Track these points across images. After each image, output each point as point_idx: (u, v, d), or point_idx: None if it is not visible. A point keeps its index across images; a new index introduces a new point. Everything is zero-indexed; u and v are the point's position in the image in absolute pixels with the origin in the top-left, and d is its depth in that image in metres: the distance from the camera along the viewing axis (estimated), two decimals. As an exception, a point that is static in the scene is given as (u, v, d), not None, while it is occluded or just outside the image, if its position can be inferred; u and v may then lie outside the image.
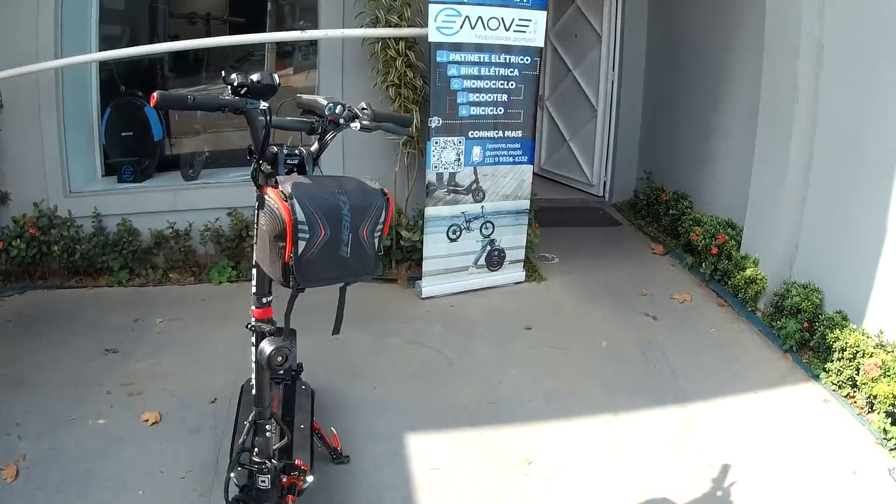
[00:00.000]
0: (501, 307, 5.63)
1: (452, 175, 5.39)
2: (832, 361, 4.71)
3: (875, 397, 4.25)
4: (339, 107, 2.57)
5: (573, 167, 8.45)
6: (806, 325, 5.02)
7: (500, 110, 5.42)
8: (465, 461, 3.92)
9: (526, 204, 5.81)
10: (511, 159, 5.60)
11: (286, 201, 2.34)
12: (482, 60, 5.22)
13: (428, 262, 5.56)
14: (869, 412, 4.40)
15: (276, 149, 2.57)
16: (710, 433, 4.28)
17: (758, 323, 5.49)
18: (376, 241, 2.56)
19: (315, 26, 5.63)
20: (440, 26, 4.98)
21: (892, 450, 4.12)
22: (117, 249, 5.46)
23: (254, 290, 2.82)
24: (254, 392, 2.93)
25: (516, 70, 5.36)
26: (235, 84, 2.42)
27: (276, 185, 2.42)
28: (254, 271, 2.82)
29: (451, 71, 5.12)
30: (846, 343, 4.60)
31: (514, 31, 5.24)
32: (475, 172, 5.48)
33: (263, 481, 2.95)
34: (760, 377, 4.88)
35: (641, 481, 3.86)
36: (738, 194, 6.01)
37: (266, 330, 2.80)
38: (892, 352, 4.42)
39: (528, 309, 5.62)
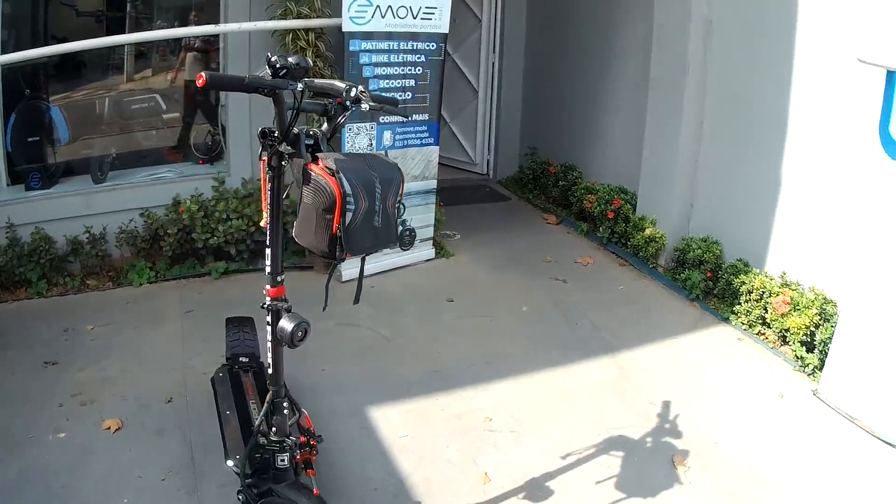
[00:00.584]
0: (419, 284, 5.76)
1: (365, 159, 5.47)
2: (740, 304, 5.20)
3: (788, 330, 4.75)
4: (353, 89, 2.63)
5: (455, 148, 8.65)
6: (709, 274, 5.51)
7: (409, 95, 5.55)
8: (431, 426, 4.07)
9: (433, 184, 5.97)
10: (419, 142, 5.74)
11: (333, 176, 2.43)
12: (391, 48, 5.33)
13: (345, 246, 5.62)
14: (782, 345, 4.92)
15: (296, 130, 2.62)
16: (644, 375, 4.65)
17: (660, 278, 5.95)
18: (397, 211, 2.67)
19: (214, 21, 5.54)
20: (353, 16, 5.05)
21: (809, 374, 4.64)
22: (34, 259, 5.13)
23: (268, 269, 2.81)
24: (269, 371, 2.93)
25: (423, 56, 5.51)
26: (278, 66, 2.46)
27: (316, 163, 2.50)
28: (267, 251, 2.81)
29: (363, 59, 5.20)
30: (752, 286, 5.10)
31: (421, 18, 5.38)
32: (386, 156, 5.57)
33: (283, 460, 2.96)
34: (675, 324, 5.32)
35: (596, 422, 4.17)
36: (629, 162, 6.46)
37: (284, 307, 2.81)
38: (798, 289, 4.96)
39: (445, 283, 5.79)
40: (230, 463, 3.20)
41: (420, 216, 5.95)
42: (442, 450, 3.89)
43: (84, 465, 3.56)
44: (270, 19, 5.24)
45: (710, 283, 5.51)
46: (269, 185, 2.75)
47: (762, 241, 5.29)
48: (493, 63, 7.79)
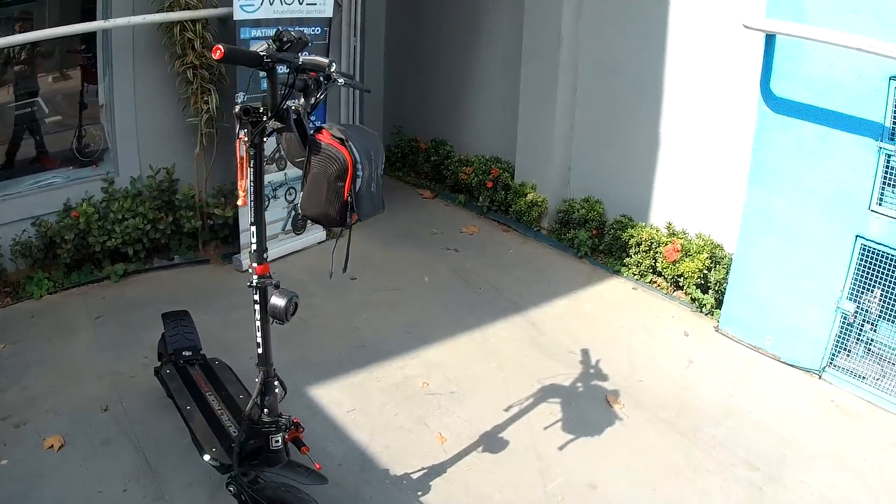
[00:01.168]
0: (319, 266, 5.72)
1: (259, 148, 5.38)
2: (630, 256, 5.61)
3: (682, 275, 5.18)
4: (333, 65, 2.64)
5: (316, 133, 8.56)
6: (595, 231, 5.88)
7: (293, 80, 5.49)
8: (373, 398, 4.17)
9: (322, 166, 5.96)
10: (309, 124, 5.68)
11: (343, 145, 2.47)
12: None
13: (244, 235, 5.48)
14: (675, 290, 5.36)
15: (285, 105, 2.61)
16: (556, 329, 4.96)
17: (546, 239, 6.27)
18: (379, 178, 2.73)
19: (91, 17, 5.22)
20: (243, 4, 4.94)
21: (707, 313, 5.12)
22: (-71, 281, 4.66)
23: (254, 247, 2.81)
24: (259, 351, 2.92)
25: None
26: (284, 39, 2.45)
27: (321, 133, 2.53)
28: (253, 229, 2.80)
29: (253, 47, 5.09)
30: (641, 238, 5.51)
31: (307, 3, 5.34)
32: (277, 141, 5.50)
33: (277, 441, 2.97)
34: (571, 280, 5.65)
35: (526, 375, 4.44)
36: (501, 133, 6.72)
37: (272, 284, 2.82)
38: (685, 237, 5.41)
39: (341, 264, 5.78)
40: (207, 458, 3.14)
41: (311, 199, 5.91)
42: (391, 418, 4.00)
43: (38, 489, 3.36)
44: (157, 12, 5.02)
45: (595, 240, 5.88)
46: (250, 163, 2.72)
47: (644, 196, 5.72)
48: (355, 46, 7.76)
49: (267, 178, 5.47)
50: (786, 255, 4.45)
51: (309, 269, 5.63)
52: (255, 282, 2.81)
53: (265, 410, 2.93)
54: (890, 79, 3.85)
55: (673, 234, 5.44)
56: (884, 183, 4.00)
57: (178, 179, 5.46)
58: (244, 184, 2.73)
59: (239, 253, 5.50)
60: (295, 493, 2.92)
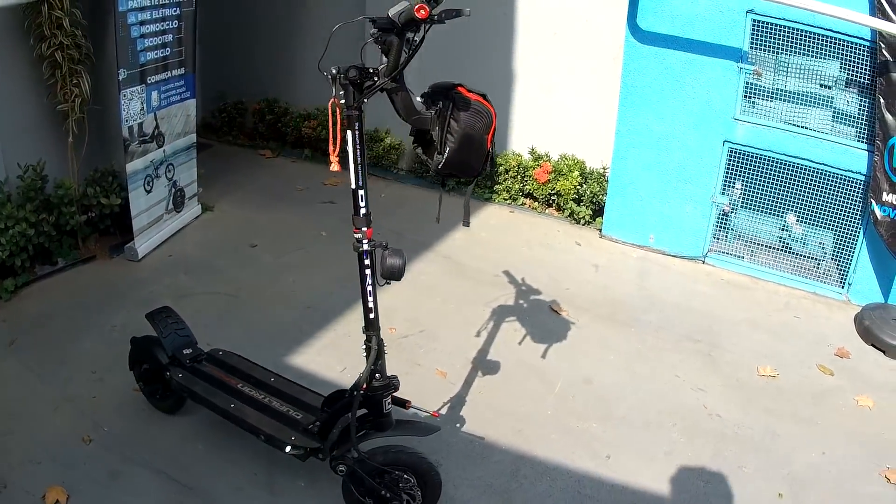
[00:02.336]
0: (210, 240, 5.41)
1: (140, 125, 4.96)
2: (500, 184, 6.03)
3: (558, 193, 5.73)
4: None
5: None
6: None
7: (168, 51, 5.09)
8: (354, 353, 3.89)
9: (193, 138, 5.60)
10: (179, 97, 5.32)
11: (486, 99, 2.60)
12: (152, 3, 4.84)
13: (137, 221, 5.05)
14: (548, 207, 5.89)
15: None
16: (468, 258, 5.29)
17: (408, 179, 6.50)
18: None
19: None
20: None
21: (585, 224, 5.73)
22: None
23: (363, 211, 2.77)
24: (371, 316, 2.89)
25: (177, 8, 5.08)
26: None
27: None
28: (360, 192, 2.76)
29: (131, 19, 4.66)
30: (510, 165, 5.96)
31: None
32: (156, 118, 5.12)
33: (388, 403, 2.98)
34: (452, 213, 5.88)
35: (473, 303, 4.74)
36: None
37: (382, 244, 2.81)
38: (549, 159, 5.92)
39: (231, 233, 5.53)
40: (288, 449, 3.03)
41: (185, 174, 5.57)
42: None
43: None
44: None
45: (461, 173, 6.22)
46: (355, 126, 2.67)
47: (504, 127, 6.09)
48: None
49: (150, 157, 5.10)
50: (661, 164, 5.15)
51: (203, 245, 5.35)
52: (366, 245, 2.76)
53: (377, 375, 2.91)
54: (747, 12, 4.60)
55: (538, 158, 5.95)
56: (745, 96, 4.80)
57: (47, 175, 4.83)
58: (336, 149, 2.66)
59: (131, 241, 5.07)
60: (406, 451, 2.96)
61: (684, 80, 4.89)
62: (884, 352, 4.36)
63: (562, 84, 5.79)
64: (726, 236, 5.16)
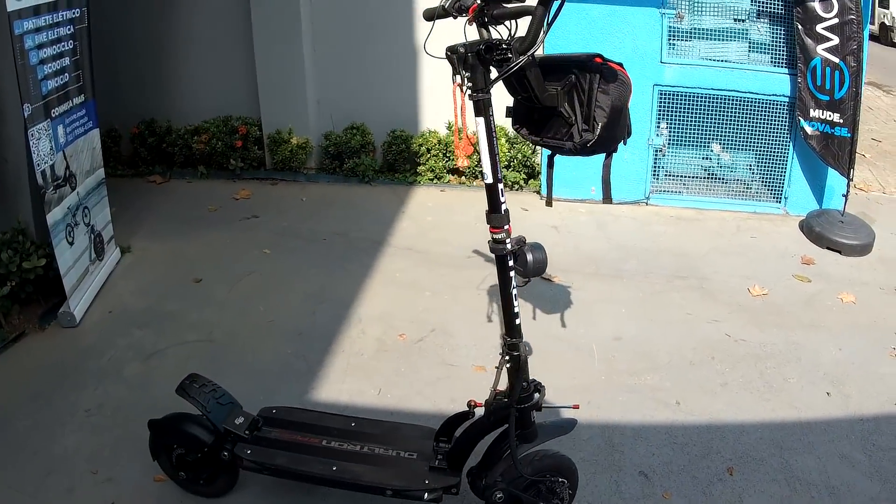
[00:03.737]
0: (146, 284, 4.58)
1: (52, 168, 4.13)
2: (422, 164, 5.75)
3: None
4: None
5: None
6: (372, 154, 5.84)
7: (66, 77, 4.25)
8: (378, 370, 3.74)
9: (102, 173, 4.76)
10: (83, 129, 4.47)
11: (624, 68, 2.35)
12: (46, 23, 4.00)
13: (67, 280, 4.22)
14: (475, 180, 5.72)
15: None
16: (429, 245, 4.99)
17: (320, 178, 6.04)
18: None
19: None
20: (13, -8, 3.64)
21: (520, 188, 5.66)
22: None
23: (504, 207, 2.37)
24: (517, 322, 2.49)
25: (70, 26, 4.24)
26: None
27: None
28: (500, 186, 2.36)
29: (28, 42, 3.84)
30: (430, 144, 5.72)
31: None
32: (65, 156, 4.29)
33: (540, 401, 2.64)
34: (386, 204, 5.57)
35: (461, 289, 4.49)
36: (229, 89, 6.08)
37: (524, 238, 2.47)
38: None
39: (164, 271, 4.72)
40: (427, 495, 2.62)
41: (99, 215, 4.75)
42: (418, 377, 3.68)
43: None
44: None
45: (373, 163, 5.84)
46: (483, 111, 2.29)
47: (410, 107, 5.78)
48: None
49: (66, 204, 4.30)
50: (595, 117, 5.11)
51: (141, 291, 4.54)
52: (510, 245, 2.39)
53: (524, 384, 2.54)
54: (663, -43, 4.62)
55: (459, 130, 5.68)
56: (669, 40, 4.85)
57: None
58: (463, 140, 2.33)
59: (63, 304, 4.22)
60: (548, 454, 2.70)
61: (609, 30, 4.86)
62: (839, 252, 4.64)
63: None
64: (665, 175, 5.24)
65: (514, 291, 2.47)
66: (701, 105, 4.94)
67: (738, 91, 4.86)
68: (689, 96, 4.94)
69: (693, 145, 5.12)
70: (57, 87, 4.14)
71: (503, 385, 2.60)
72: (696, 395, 3.51)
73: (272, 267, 4.79)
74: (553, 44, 4.87)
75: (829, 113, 4.68)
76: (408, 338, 3.99)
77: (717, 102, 4.91)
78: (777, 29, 4.76)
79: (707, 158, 5.17)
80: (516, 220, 4.96)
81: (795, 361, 3.74)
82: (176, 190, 6.02)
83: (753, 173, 5.16)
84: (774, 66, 4.83)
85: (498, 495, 2.60)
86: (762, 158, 5.05)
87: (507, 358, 2.51)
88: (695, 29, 4.86)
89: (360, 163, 5.73)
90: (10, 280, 4.17)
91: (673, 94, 4.97)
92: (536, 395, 2.60)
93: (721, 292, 4.31)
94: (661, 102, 5.01)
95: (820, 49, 4.58)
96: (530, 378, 2.60)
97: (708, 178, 5.25)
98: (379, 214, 5.33)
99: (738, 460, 3.10)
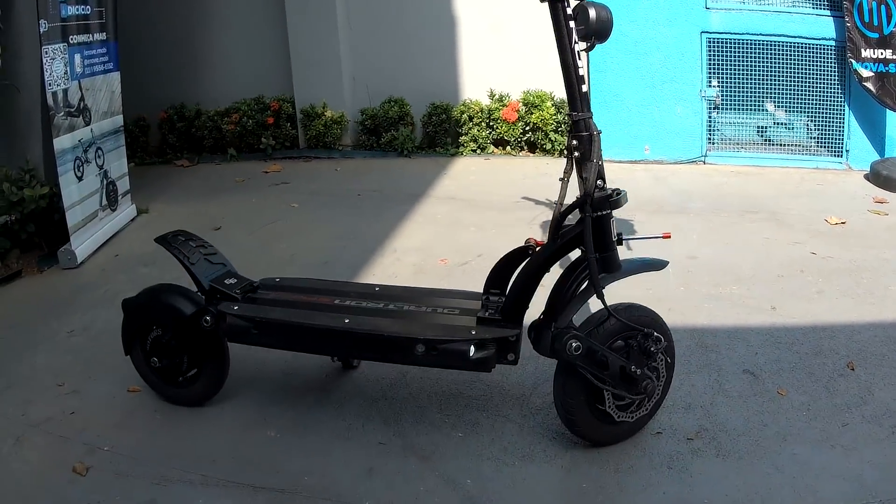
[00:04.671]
0: (160, 233, 4.17)
1: (65, 93, 3.73)
2: (465, 134, 5.28)
3: (535, 129, 5.07)
4: None
5: None
6: (412, 127, 5.41)
7: (88, 8, 3.92)
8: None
9: (120, 120, 4.35)
10: (102, 67, 4.11)
11: None
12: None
13: (71, 215, 3.74)
14: (521, 151, 5.24)
15: None
16: (472, 196, 4.52)
17: (356, 154, 5.60)
18: None
19: None
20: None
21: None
22: None
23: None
24: (584, 89, 2.01)
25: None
26: None
27: None
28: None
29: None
30: (472, 112, 5.26)
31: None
32: (80, 87, 3.89)
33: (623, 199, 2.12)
34: (426, 171, 5.08)
35: (509, 225, 3.98)
36: (260, 69, 5.74)
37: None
38: (509, 99, 5.21)
39: (183, 225, 4.05)
40: (472, 352, 2.00)
41: (116, 163, 4.31)
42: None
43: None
44: None
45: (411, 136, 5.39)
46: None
47: (450, 78, 5.36)
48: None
49: (78, 135, 3.87)
50: (643, 69, 4.68)
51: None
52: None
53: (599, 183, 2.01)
54: None
55: (500, 99, 5.25)
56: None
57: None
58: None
59: (66, 245, 3.75)
60: (638, 307, 2.14)
61: (650, -25, 4.49)
62: (911, 193, 4.15)
63: (510, 15, 5.15)
64: (721, 135, 4.77)
65: (578, 48, 1.95)
66: (750, 54, 4.53)
67: (786, 36, 4.46)
68: (738, 43, 4.53)
69: (747, 106, 4.67)
70: (77, 14, 3.85)
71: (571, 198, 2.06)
72: (792, 302, 3.03)
73: (299, 217, 4.36)
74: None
75: (880, 51, 4.28)
76: (450, 262, 3.52)
77: (766, 50, 4.50)
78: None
79: (762, 119, 4.71)
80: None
81: (890, 274, 3.23)
82: (203, 171, 5.58)
83: (810, 131, 4.69)
84: (817, 8, 4.44)
85: (573, 343, 1.98)
86: (818, 112, 4.58)
87: (574, 142, 1.97)
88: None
89: (397, 135, 5.28)
90: (11, 213, 3.68)
91: (721, 42, 4.56)
92: (618, 196, 2.03)
93: (796, 223, 3.84)
94: (710, 51, 4.59)
95: (864, -18, 4.23)
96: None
97: (764, 143, 4.77)
98: (418, 177, 4.86)
99: (857, 356, 2.60)
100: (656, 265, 2.18)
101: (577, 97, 1.95)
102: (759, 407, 2.34)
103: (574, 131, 1.96)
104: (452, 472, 2.11)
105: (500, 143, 5.22)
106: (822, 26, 4.40)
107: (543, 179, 4.64)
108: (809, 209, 3.97)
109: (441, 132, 5.25)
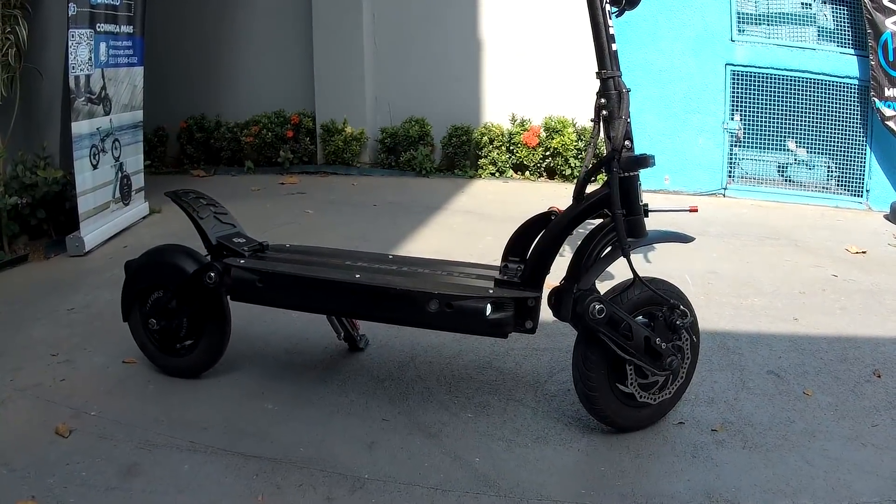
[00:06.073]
0: (171, 231, 3.92)
1: (87, 79, 3.69)
2: (483, 157, 5.19)
3: (555, 154, 4.97)
4: None
5: None
6: (431, 148, 5.35)
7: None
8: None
9: (140, 115, 4.30)
10: (126, 60, 4.08)
11: None
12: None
13: (83, 202, 3.66)
14: (541, 177, 5.14)
15: None
16: (488, 210, 4.42)
17: (374, 171, 5.50)
18: None
19: None
20: None
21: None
22: None
23: None
24: (614, 47, 1.94)
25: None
26: None
27: None
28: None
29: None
30: (493, 135, 5.15)
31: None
32: (103, 76, 3.85)
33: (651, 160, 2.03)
34: (441, 189, 4.99)
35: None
36: (283, 83, 5.69)
37: None
38: (530, 125, 5.15)
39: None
40: (489, 311, 1.92)
41: (132, 158, 4.24)
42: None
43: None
44: None
45: (432, 157, 5.33)
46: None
47: (471, 101, 5.29)
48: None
49: (97, 123, 3.82)
50: (666, 98, 4.61)
51: (164, 236, 3.83)
52: None
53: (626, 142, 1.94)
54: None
55: (521, 123, 5.19)
56: (738, 17, 4.47)
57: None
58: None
59: (75, 232, 3.66)
60: (661, 281, 2.05)
61: (677, 8, 4.48)
62: (931, 233, 4.03)
63: (535, 41, 5.12)
64: (742, 165, 4.68)
65: (610, 22, 1.92)
66: (773, 89, 4.47)
67: (810, 72, 4.40)
68: (762, 77, 4.47)
69: (768, 143, 4.58)
70: (106, 4, 3.80)
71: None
72: (815, 315, 2.92)
73: (313, 222, 4.28)
74: (620, 21, 4.50)
75: (903, 90, 4.22)
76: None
77: (789, 85, 4.44)
78: (841, 9, 4.37)
79: (783, 156, 4.62)
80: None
81: (912, 296, 3.06)
82: (219, 182, 5.46)
83: (831, 171, 4.59)
84: (842, 46, 4.39)
85: (596, 306, 1.87)
86: (840, 151, 4.49)
87: (602, 101, 1.90)
88: (759, 13, 4.49)
89: (416, 155, 5.21)
90: (22, 197, 3.59)
91: (745, 76, 4.51)
92: (646, 159, 1.94)
93: (817, 250, 3.73)
94: (733, 84, 4.53)
95: (889, 22, 4.16)
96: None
97: (786, 174, 4.67)
98: (435, 193, 4.79)
99: (883, 366, 2.48)
100: (683, 237, 2.07)
101: (606, 55, 1.89)
102: (784, 405, 2.21)
103: (603, 90, 1.88)
104: (460, 450, 1.97)
105: (519, 167, 5.14)
106: (847, 64, 4.35)
107: (562, 202, 4.52)
108: (830, 239, 3.87)
109: (460, 154, 5.18)
